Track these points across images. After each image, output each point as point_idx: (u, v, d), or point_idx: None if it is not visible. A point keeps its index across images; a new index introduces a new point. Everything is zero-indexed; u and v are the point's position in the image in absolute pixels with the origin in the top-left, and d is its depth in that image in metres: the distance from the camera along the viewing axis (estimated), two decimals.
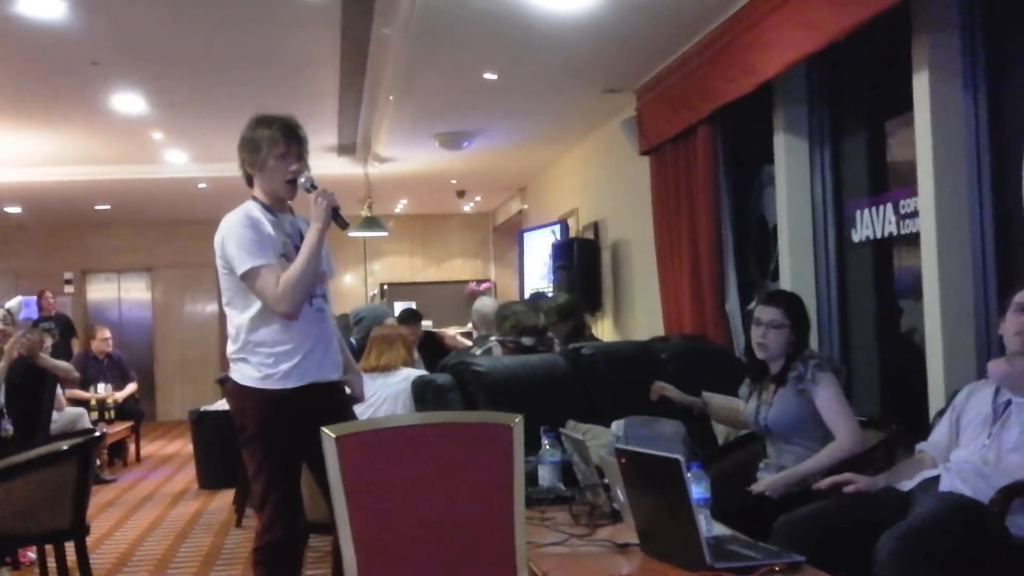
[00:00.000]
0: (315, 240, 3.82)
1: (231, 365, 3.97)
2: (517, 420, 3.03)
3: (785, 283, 6.13)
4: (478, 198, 15.61)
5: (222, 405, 9.11)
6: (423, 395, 5.47)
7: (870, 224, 5.54)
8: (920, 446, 3.89)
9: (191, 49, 7.49)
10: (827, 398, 4.17)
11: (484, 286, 16.73)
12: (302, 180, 3.92)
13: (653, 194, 7.72)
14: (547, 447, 4.20)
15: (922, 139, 4.71)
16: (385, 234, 13.57)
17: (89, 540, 5.40)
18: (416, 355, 8.17)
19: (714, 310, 6.69)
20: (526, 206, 14.34)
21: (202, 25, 6.93)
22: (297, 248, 3.87)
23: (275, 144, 3.90)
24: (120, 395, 11.56)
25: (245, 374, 3.86)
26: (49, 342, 9.31)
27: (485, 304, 7.73)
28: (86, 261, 17.28)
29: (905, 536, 3.19)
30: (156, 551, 7.04)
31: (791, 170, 6.15)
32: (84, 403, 10.76)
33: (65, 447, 5.19)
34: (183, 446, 12.58)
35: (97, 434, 5.69)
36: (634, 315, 9.22)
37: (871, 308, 5.80)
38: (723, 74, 6.20)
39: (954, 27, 4.66)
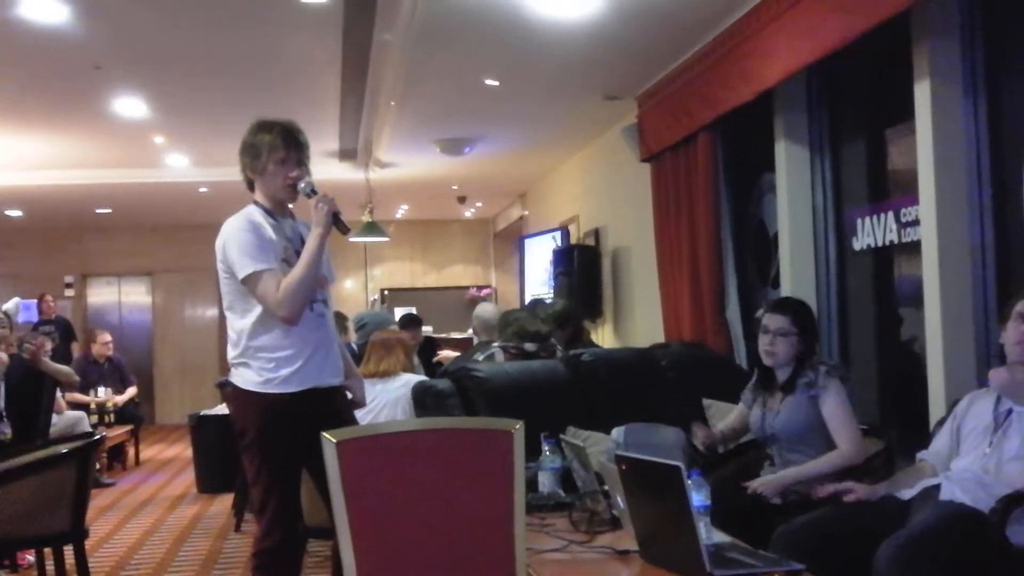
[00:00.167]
0: (316, 245, 3.82)
1: (232, 369, 3.97)
2: (517, 426, 3.03)
3: (785, 291, 6.13)
4: (479, 204, 15.62)
5: (221, 409, 9.11)
6: (423, 400, 5.46)
7: (871, 232, 5.54)
8: (920, 454, 3.89)
9: (193, 54, 7.50)
10: (834, 405, 4.18)
11: (485, 292, 16.73)
12: (302, 185, 3.92)
13: (654, 201, 7.72)
14: (547, 453, 4.20)
15: (923, 147, 4.71)
16: (386, 239, 13.58)
17: (88, 543, 5.40)
18: (416, 360, 8.18)
19: (714, 317, 6.69)
20: (527, 212, 14.34)
21: (204, 30, 6.94)
22: (298, 253, 3.87)
23: (275, 149, 3.90)
24: (120, 399, 11.56)
25: (246, 378, 3.86)
26: (49, 346, 9.31)
27: (486, 310, 7.73)
28: (86, 265, 17.28)
29: (905, 545, 3.19)
30: (155, 555, 7.03)
31: (792, 178, 6.15)
32: (84, 407, 10.76)
33: (64, 450, 5.18)
34: (182, 450, 12.58)
35: (96, 437, 5.69)
36: (634, 322, 9.22)
37: (871, 316, 5.80)
38: (724, 82, 6.21)
39: (954, 35, 4.66)
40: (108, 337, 12.14)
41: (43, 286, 15.35)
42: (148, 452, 12.86)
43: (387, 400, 5.76)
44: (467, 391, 5.45)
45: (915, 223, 5.02)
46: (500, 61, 7.20)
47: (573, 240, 10.93)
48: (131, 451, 11.82)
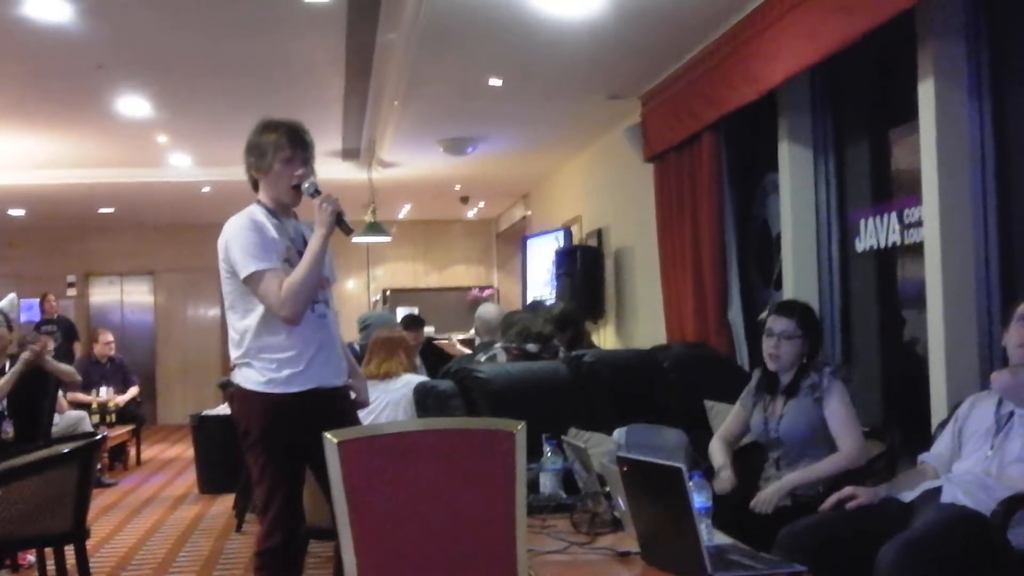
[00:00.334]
0: (319, 246, 3.81)
1: (235, 370, 3.97)
2: (519, 427, 3.02)
3: (788, 292, 6.13)
4: (481, 204, 15.61)
5: (223, 409, 9.11)
6: (425, 401, 5.46)
7: (874, 233, 5.53)
8: (922, 457, 3.89)
9: (196, 53, 7.50)
10: (836, 407, 4.17)
11: (487, 292, 16.73)
12: (306, 185, 3.91)
13: (657, 201, 7.72)
14: (549, 455, 4.19)
15: (927, 148, 4.70)
16: (388, 239, 13.57)
17: (89, 544, 5.39)
18: (418, 361, 8.18)
19: (717, 318, 6.69)
20: (529, 212, 14.34)
21: (207, 29, 6.94)
22: (300, 253, 3.87)
23: (281, 149, 3.90)
24: (122, 399, 11.57)
25: (249, 378, 3.86)
26: (51, 345, 9.31)
27: (488, 310, 7.72)
28: (89, 264, 17.29)
29: (906, 547, 3.19)
30: (156, 555, 7.02)
31: (795, 178, 6.15)
32: (86, 406, 10.75)
33: (66, 450, 5.18)
34: (184, 450, 12.57)
35: (98, 437, 5.68)
36: (636, 323, 9.22)
37: (874, 317, 5.79)
38: (727, 82, 6.20)
39: (959, 36, 4.66)
40: (110, 337, 12.15)
41: (45, 285, 15.36)
42: (150, 452, 12.86)
43: (388, 401, 5.76)
44: (469, 392, 5.44)
45: (918, 224, 5.02)
46: (504, 61, 7.20)
47: (576, 241, 10.93)
48: (133, 451, 11.82)
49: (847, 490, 3.75)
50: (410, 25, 6.52)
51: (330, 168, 11.26)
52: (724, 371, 5.94)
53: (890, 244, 5.39)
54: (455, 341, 9.55)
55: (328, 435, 2.95)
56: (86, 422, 9.79)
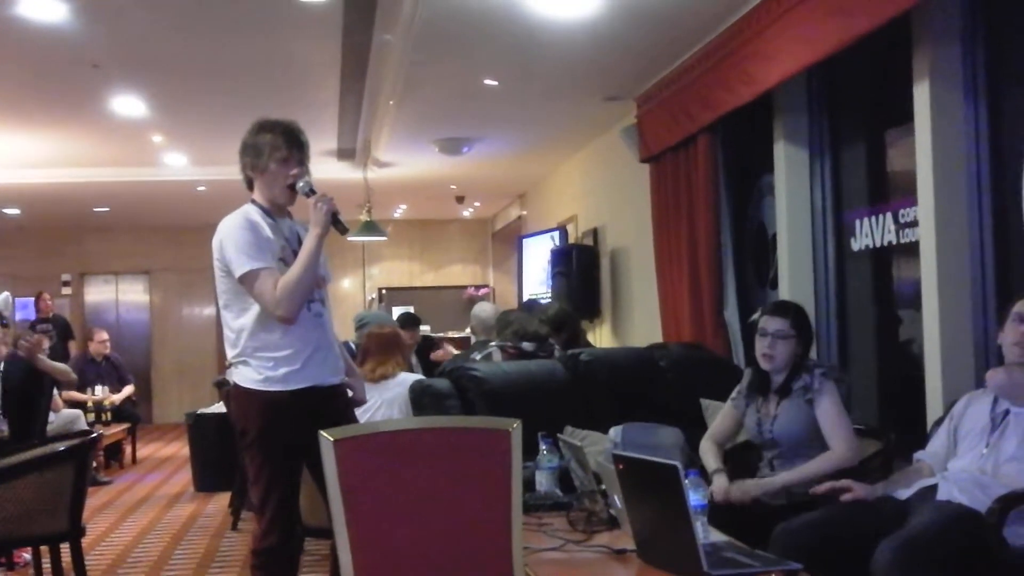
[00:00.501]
0: (314, 245, 3.82)
1: (232, 368, 3.97)
2: (515, 425, 3.02)
3: (784, 292, 6.14)
4: (477, 204, 15.61)
5: (219, 408, 9.11)
6: (421, 400, 5.46)
7: (869, 233, 5.54)
8: (918, 455, 3.90)
9: (191, 52, 7.49)
10: (827, 407, 4.17)
11: (483, 291, 16.73)
12: (301, 184, 3.92)
13: (653, 202, 7.72)
14: (545, 453, 4.19)
15: (922, 149, 4.71)
16: (384, 239, 13.58)
17: (84, 542, 5.40)
18: (414, 360, 8.18)
19: (713, 318, 6.70)
20: (525, 212, 14.35)
21: (202, 29, 6.94)
22: (295, 253, 3.87)
23: (277, 149, 3.90)
24: (117, 397, 11.57)
25: (246, 376, 3.86)
26: (46, 344, 9.30)
27: (484, 309, 7.73)
28: (84, 263, 17.27)
29: (902, 545, 3.19)
30: (151, 553, 7.03)
31: (791, 179, 6.15)
32: (81, 405, 10.76)
33: (61, 448, 5.18)
34: (179, 449, 12.58)
35: (93, 436, 5.68)
36: (632, 322, 9.22)
37: (870, 317, 5.80)
38: (724, 83, 6.21)
39: (955, 38, 4.66)
40: (105, 335, 12.15)
41: (41, 284, 15.34)
42: (145, 451, 12.86)
43: (383, 400, 5.75)
44: (465, 391, 5.45)
45: (914, 224, 5.03)
46: (500, 62, 7.20)
47: (571, 240, 10.93)
48: (128, 449, 11.83)
49: (843, 481, 3.76)
50: (406, 26, 6.52)
51: (326, 168, 11.26)
52: (720, 371, 5.94)
53: (886, 244, 5.40)
54: (446, 346, 9.52)
55: (324, 433, 2.95)
56: (81, 420, 9.81)
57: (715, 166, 6.70)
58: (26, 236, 16.54)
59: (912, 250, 5.03)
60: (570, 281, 9.69)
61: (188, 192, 13.18)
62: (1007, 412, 3.61)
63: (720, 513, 3.78)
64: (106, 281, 17.57)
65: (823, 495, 3.79)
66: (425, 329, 10.49)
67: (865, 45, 4.85)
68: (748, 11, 5.83)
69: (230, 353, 3.94)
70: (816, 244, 6.10)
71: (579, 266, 9.79)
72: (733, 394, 4.56)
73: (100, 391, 11.44)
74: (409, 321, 8.72)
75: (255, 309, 3.82)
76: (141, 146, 10.74)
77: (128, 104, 8.84)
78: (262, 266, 3.77)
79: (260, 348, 3.83)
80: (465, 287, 17.10)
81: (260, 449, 3.84)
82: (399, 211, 16.10)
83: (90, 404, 11.12)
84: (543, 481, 4.16)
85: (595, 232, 10.22)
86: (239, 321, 3.87)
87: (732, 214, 6.84)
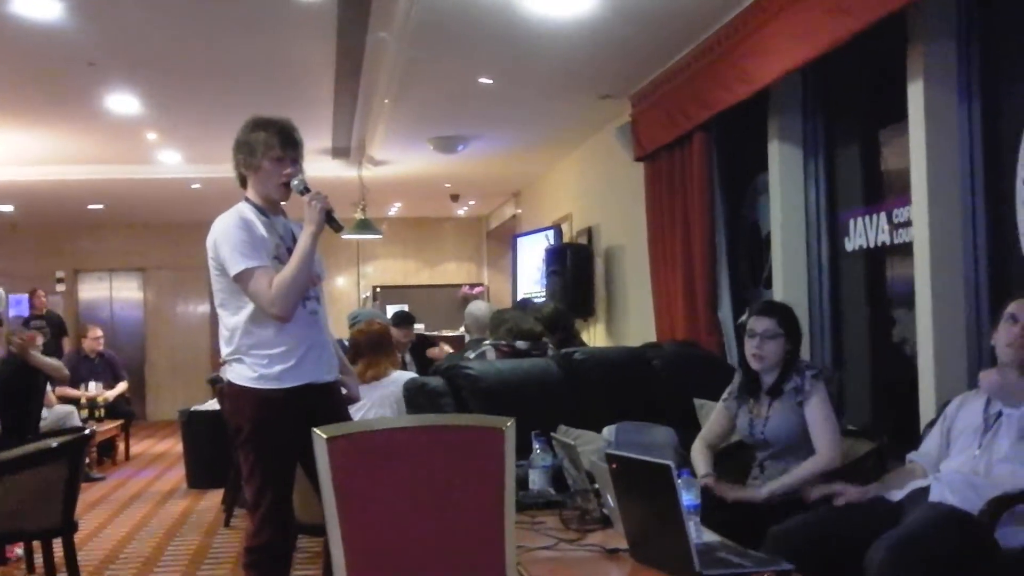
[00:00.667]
0: (308, 243, 3.81)
1: (227, 366, 3.97)
2: (508, 424, 3.02)
3: (778, 291, 6.14)
4: (472, 202, 15.61)
5: (212, 405, 9.11)
6: (415, 399, 5.46)
7: (863, 233, 5.55)
8: (910, 456, 3.90)
9: (186, 50, 7.48)
10: (815, 407, 4.17)
11: (477, 290, 16.73)
12: (295, 182, 3.91)
13: (647, 200, 7.72)
14: (538, 452, 4.20)
15: (916, 149, 4.72)
16: (378, 237, 13.57)
17: (77, 538, 5.40)
18: (408, 358, 8.18)
19: (707, 317, 6.70)
20: (520, 211, 14.35)
21: (197, 26, 6.93)
22: (290, 251, 3.87)
23: (271, 147, 3.90)
24: (111, 394, 11.56)
25: (241, 374, 3.86)
26: (40, 340, 9.29)
27: (478, 308, 7.73)
28: (78, 260, 17.25)
29: (895, 546, 3.19)
30: (144, 550, 7.02)
31: (785, 178, 6.16)
32: (74, 401, 10.74)
33: (54, 445, 5.18)
34: (173, 445, 12.57)
35: (86, 432, 5.68)
36: (627, 321, 9.23)
37: (863, 317, 5.80)
38: (718, 82, 6.21)
39: (949, 37, 4.67)
40: (99, 332, 12.15)
41: (34, 282, 15.30)
42: (138, 447, 12.85)
43: (375, 398, 5.74)
44: (459, 389, 5.44)
45: (907, 224, 5.03)
46: (494, 60, 7.20)
47: (566, 239, 10.93)
48: (121, 446, 11.82)
49: (836, 486, 3.76)
50: (401, 24, 6.52)
51: (320, 166, 11.25)
52: (714, 370, 5.94)
53: (879, 244, 5.41)
54: (442, 344, 9.52)
55: (317, 431, 2.95)
56: (74, 417, 9.81)
57: (709, 165, 6.70)
58: (20, 233, 16.52)
59: (906, 250, 5.03)
60: (564, 280, 9.68)
61: (182, 189, 13.17)
62: (1000, 413, 3.61)
63: (713, 513, 3.78)
64: (100, 278, 17.55)
65: (818, 499, 3.79)
66: (419, 328, 10.48)
67: (860, 43, 4.86)
68: (743, 9, 5.84)
69: (225, 350, 3.93)
70: (810, 244, 6.10)
71: (573, 265, 9.78)
72: (724, 395, 4.56)
73: (94, 388, 11.44)
74: (403, 319, 8.72)
75: (250, 307, 3.82)
76: (135, 143, 10.72)
77: (122, 102, 8.83)
78: (257, 265, 3.77)
79: (255, 346, 3.83)
80: (460, 286, 17.09)
81: (254, 447, 3.84)
82: (394, 209, 16.10)
83: (83, 400, 11.11)
84: (536, 480, 4.16)
85: (589, 231, 10.23)
86: (234, 319, 3.87)
87: (726, 213, 6.84)
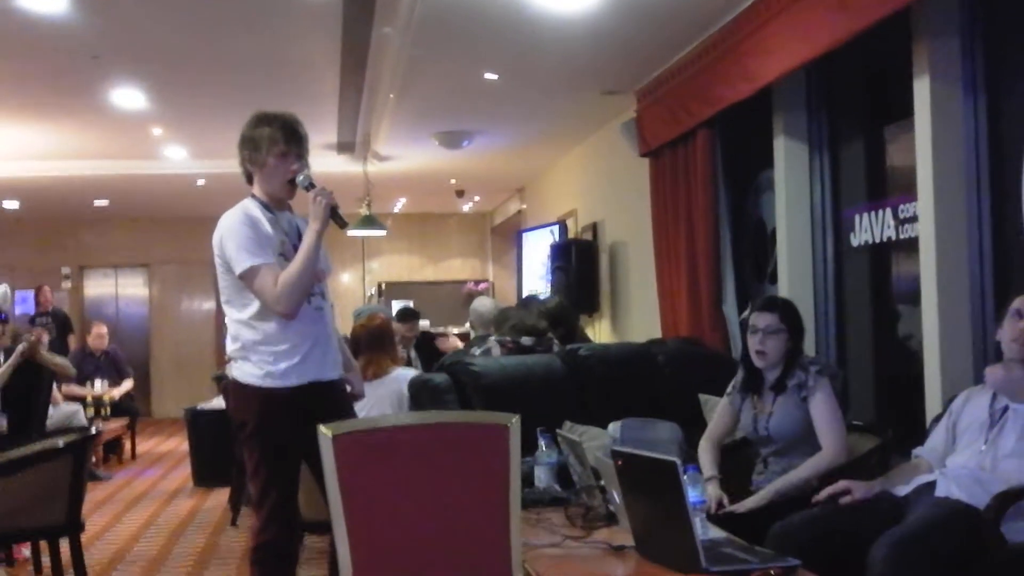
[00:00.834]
0: (313, 240, 3.81)
1: (232, 363, 3.97)
2: (513, 420, 3.03)
3: (783, 287, 6.13)
4: (477, 198, 15.61)
5: (218, 403, 9.11)
6: (419, 395, 5.46)
7: (869, 229, 5.54)
8: (916, 451, 3.90)
9: (192, 45, 7.48)
10: (820, 403, 4.17)
11: (482, 286, 16.73)
12: (300, 178, 3.91)
13: (652, 197, 7.72)
14: (543, 448, 4.20)
15: (922, 145, 4.71)
16: (383, 233, 13.57)
17: (84, 537, 5.41)
18: (413, 354, 8.17)
19: (711, 313, 6.70)
20: (525, 206, 14.34)
21: (203, 21, 6.93)
22: (295, 247, 3.87)
23: (275, 143, 3.89)
24: (116, 392, 11.56)
25: (246, 372, 3.86)
26: (46, 338, 9.30)
27: (483, 304, 7.73)
28: (83, 257, 17.26)
29: (900, 542, 3.19)
30: (151, 549, 7.03)
31: (790, 174, 6.15)
32: (80, 399, 10.75)
33: (60, 444, 5.19)
34: (178, 444, 12.56)
35: (92, 431, 5.69)
36: (631, 317, 9.22)
37: (869, 313, 5.80)
38: (723, 79, 6.20)
39: (954, 33, 4.66)
40: (104, 329, 12.16)
41: (40, 278, 15.32)
42: (144, 446, 12.86)
43: (376, 397, 5.72)
44: (464, 386, 5.44)
45: (913, 219, 5.02)
46: (499, 55, 7.19)
47: (571, 234, 10.92)
48: (127, 445, 11.83)
49: (841, 484, 3.75)
50: (406, 19, 6.52)
51: (325, 161, 11.24)
52: (718, 366, 5.94)
53: (885, 239, 5.40)
54: (452, 337, 9.52)
55: (322, 428, 2.95)
56: (80, 415, 9.81)
57: (714, 161, 6.70)
58: (25, 229, 16.52)
59: (911, 246, 5.03)
60: (569, 276, 9.68)
61: (188, 185, 13.17)
62: (1006, 408, 3.61)
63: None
64: (105, 274, 17.55)
65: (824, 500, 3.78)
66: (424, 324, 10.48)
67: (864, 40, 4.85)
68: (747, 6, 5.83)
69: (231, 347, 3.94)
70: (815, 240, 6.09)
71: (578, 261, 9.78)
72: (728, 389, 4.56)
73: (99, 386, 11.43)
74: (408, 315, 8.72)
75: (255, 304, 3.82)
76: (141, 139, 10.72)
77: (128, 96, 8.83)
78: (262, 262, 3.77)
79: (260, 343, 3.83)
80: (464, 282, 17.09)
81: (259, 444, 3.84)
82: (399, 205, 16.10)
83: (89, 399, 11.11)
84: (542, 476, 4.16)
85: (594, 227, 10.22)
86: (240, 316, 3.87)
87: (731, 209, 6.83)
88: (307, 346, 3.86)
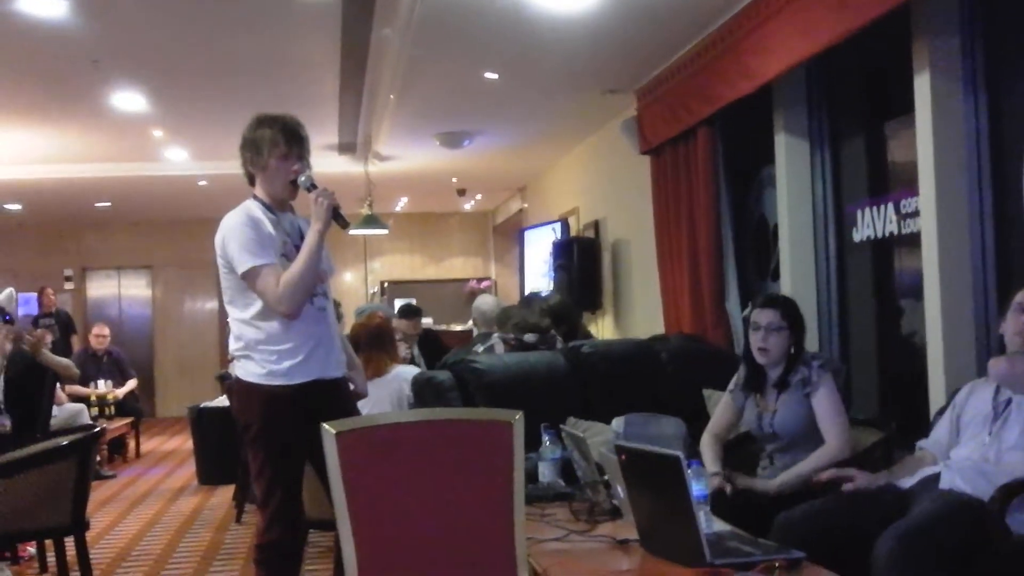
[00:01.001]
0: (315, 241, 3.82)
1: (235, 363, 3.98)
2: (517, 417, 3.03)
3: (786, 284, 6.14)
4: (478, 197, 15.61)
5: (221, 402, 9.12)
6: (422, 393, 5.46)
7: (871, 224, 5.54)
8: (920, 444, 3.91)
9: (192, 47, 7.49)
10: (824, 398, 4.18)
11: (484, 284, 16.74)
12: (302, 179, 3.92)
13: (653, 194, 7.72)
14: (547, 444, 4.21)
15: (923, 140, 4.71)
16: (385, 232, 13.58)
17: (89, 536, 5.41)
18: (416, 352, 8.17)
19: (713, 310, 6.70)
20: (526, 205, 14.34)
21: (202, 23, 6.94)
22: (297, 248, 3.88)
23: (276, 145, 3.90)
24: (120, 392, 11.58)
25: (249, 371, 3.87)
26: (49, 339, 9.31)
27: (486, 302, 7.73)
28: (86, 259, 17.28)
29: (905, 534, 3.20)
30: (155, 547, 7.04)
31: (791, 171, 6.15)
32: (84, 399, 10.77)
33: (65, 443, 5.19)
34: (183, 442, 12.59)
35: (96, 430, 5.69)
36: (634, 314, 9.23)
37: (872, 308, 5.80)
38: (721, 77, 6.21)
39: (954, 29, 4.66)
40: (106, 330, 12.18)
41: (42, 280, 15.33)
42: (148, 445, 12.88)
43: (374, 398, 5.71)
44: (467, 383, 5.45)
45: (915, 214, 5.03)
46: (500, 55, 7.20)
47: (573, 232, 10.93)
48: (132, 444, 11.85)
49: (846, 469, 3.76)
50: (405, 20, 6.52)
51: (326, 162, 11.25)
52: (721, 362, 5.92)
53: (887, 234, 5.41)
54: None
55: (326, 426, 2.96)
56: (84, 415, 9.83)
57: (715, 159, 6.70)
58: (27, 232, 16.55)
59: (913, 240, 5.03)
60: (571, 273, 9.69)
61: (189, 187, 13.19)
62: (1009, 401, 3.62)
63: (722, 502, 3.80)
64: (108, 276, 17.58)
65: (825, 483, 3.80)
66: (427, 322, 10.48)
67: (864, 36, 4.85)
68: (747, 4, 5.83)
69: (234, 347, 3.95)
70: (817, 235, 6.10)
71: (580, 258, 9.79)
72: (731, 385, 4.57)
73: (103, 386, 11.45)
74: (410, 311, 8.72)
75: (258, 304, 3.83)
76: (142, 141, 10.74)
77: (128, 99, 8.84)
78: (264, 263, 3.78)
79: (263, 342, 3.84)
80: (467, 280, 17.10)
81: (263, 443, 3.85)
82: (400, 204, 16.10)
83: (93, 399, 11.13)
84: (546, 472, 4.17)
85: (596, 225, 10.22)
86: (242, 316, 3.88)
87: (732, 206, 6.84)
88: (310, 346, 3.87)
